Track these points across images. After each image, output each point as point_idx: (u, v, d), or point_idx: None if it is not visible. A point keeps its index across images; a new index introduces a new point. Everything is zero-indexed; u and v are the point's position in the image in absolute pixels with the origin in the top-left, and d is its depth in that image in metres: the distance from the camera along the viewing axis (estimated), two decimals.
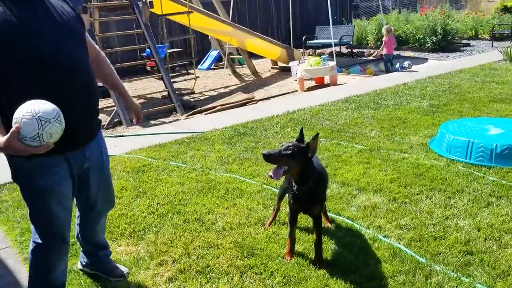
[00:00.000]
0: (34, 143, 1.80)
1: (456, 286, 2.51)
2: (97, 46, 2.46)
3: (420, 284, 2.55)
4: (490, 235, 3.02)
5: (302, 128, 2.70)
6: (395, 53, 10.31)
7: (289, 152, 2.51)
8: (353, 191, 3.79)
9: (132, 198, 3.97)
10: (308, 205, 2.76)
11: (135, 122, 2.67)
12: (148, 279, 2.78)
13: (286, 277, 2.68)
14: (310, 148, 2.58)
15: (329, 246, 2.97)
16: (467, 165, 4.21)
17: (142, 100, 9.35)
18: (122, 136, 6.33)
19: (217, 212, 3.58)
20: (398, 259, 2.79)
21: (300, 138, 2.68)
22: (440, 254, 2.82)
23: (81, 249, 2.81)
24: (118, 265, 2.84)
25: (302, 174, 2.62)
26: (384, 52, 10.08)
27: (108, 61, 2.51)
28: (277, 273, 2.71)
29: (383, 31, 10.18)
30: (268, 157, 2.49)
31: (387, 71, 9.94)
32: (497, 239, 2.97)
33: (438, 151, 4.58)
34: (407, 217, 3.30)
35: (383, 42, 10.05)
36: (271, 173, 2.50)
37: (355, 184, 3.92)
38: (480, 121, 5.02)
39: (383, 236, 3.06)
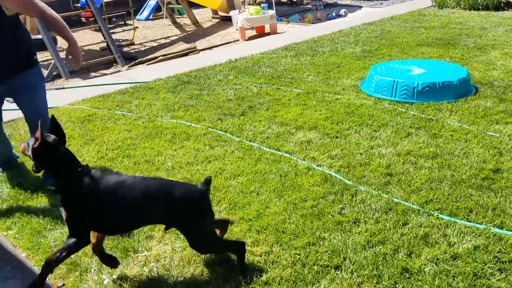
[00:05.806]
0: None
1: (377, 201, 2.94)
2: (41, 8, 3.04)
3: (347, 201, 2.96)
4: (408, 159, 3.47)
5: (53, 116, 2.36)
6: (332, 1, 10.61)
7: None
8: (291, 129, 4.13)
9: (80, 146, 4.10)
10: None
11: (75, 67, 3.15)
12: None
13: (232, 204, 3.00)
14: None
15: (269, 176, 3.31)
16: (392, 102, 4.66)
17: None
18: (63, 88, 6.27)
19: (166, 154, 3.81)
20: (329, 183, 3.18)
21: (54, 128, 2.31)
22: (364, 177, 3.24)
23: None
24: None
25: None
26: None
27: (55, 19, 3.09)
28: (224, 201, 3.03)
29: None
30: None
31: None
32: (413, 162, 3.43)
33: (368, 91, 5.00)
34: (337, 149, 3.70)
35: None
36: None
37: (293, 123, 4.25)
38: (406, 62, 5.47)
39: (317, 165, 3.44)
